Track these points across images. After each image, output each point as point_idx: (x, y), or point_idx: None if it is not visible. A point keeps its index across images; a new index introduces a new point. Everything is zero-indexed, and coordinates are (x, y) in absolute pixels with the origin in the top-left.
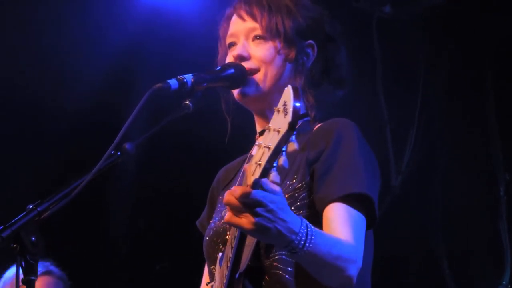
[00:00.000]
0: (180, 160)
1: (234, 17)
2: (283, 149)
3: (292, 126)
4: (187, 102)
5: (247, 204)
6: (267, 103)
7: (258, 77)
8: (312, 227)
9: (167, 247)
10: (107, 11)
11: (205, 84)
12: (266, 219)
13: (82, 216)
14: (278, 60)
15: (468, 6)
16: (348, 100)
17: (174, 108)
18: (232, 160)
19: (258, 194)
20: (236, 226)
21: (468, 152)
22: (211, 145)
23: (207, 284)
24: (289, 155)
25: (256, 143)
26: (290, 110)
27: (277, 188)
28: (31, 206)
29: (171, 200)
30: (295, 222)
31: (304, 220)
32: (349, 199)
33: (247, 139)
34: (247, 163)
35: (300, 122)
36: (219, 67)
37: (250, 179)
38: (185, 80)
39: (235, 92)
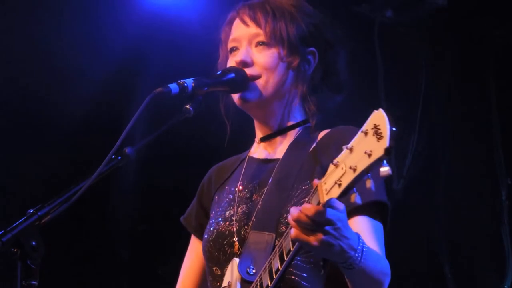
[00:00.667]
0: (182, 164)
1: (237, 22)
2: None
3: (389, 152)
4: (187, 107)
5: (319, 222)
6: (267, 109)
7: (260, 83)
8: (365, 242)
9: (168, 251)
10: (110, 15)
11: (206, 88)
12: (332, 237)
13: (83, 219)
14: (281, 68)
15: (469, 11)
16: (349, 105)
17: (175, 112)
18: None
19: (330, 213)
20: (303, 242)
21: (470, 157)
22: (213, 149)
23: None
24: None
25: (334, 162)
26: (387, 135)
27: (342, 206)
28: (31, 211)
29: (172, 203)
30: (354, 238)
31: (361, 236)
32: (369, 208)
33: (247, 143)
34: (318, 180)
35: (300, 129)
36: (219, 72)
37: (324, 198)
38: (185, 84)
39: (236, 97)
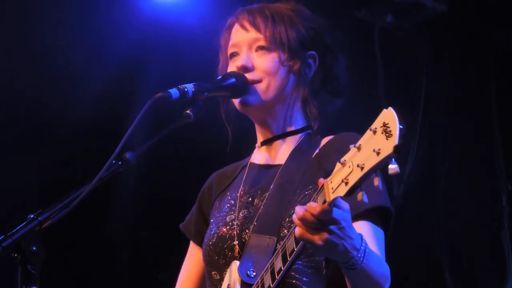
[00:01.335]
0: (182, 169)
1: (236, 27)
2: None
3: (398, 149)
4: (188, 112)
5: (324, 221)
6: (269, 113)
7: (261, 87)
8: (367, 244)
9: (168, 256)
10: (110, 19)
11: (206, 93)
12: (337, 237)
13: (83, 224)
14: (282, 72)
15: (469, 15)
16: (350, 110)
17: (175, 117)
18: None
19: (336, 212)
20: (307, 241)
21: (470, 162)
22: (214, 154)
23: None
24: (291, 165)
25: (341, 161)
26: (396, 133)
27: (347, 205)
28: (32, 216)
29: (172, 209)
30: (358, 239)
31: (363, 237)
32: (371, 214)
33: (248, 148)
34: (324, 179)
35: (302, 135)
36: (220, 77)
37: (330, 196)
38: (186, 89)
39: (236, 101)
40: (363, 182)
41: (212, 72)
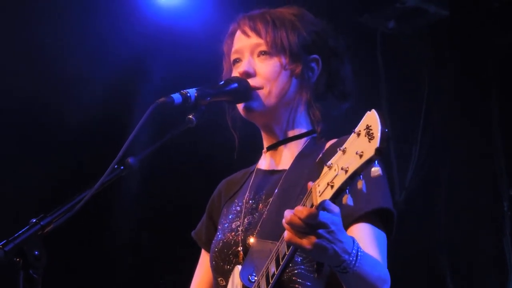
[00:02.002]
0: (184, 173)
1: (238, 33)
2: (362, 173)
3: (380, 152)
4: (190, 117)
5: (312, 225)
6: (273, 117)
7: (263, 92)
8: (360, 247)
9: (171, 261)
10: (113, 25)
11: (209, 98)
12: (326, 240)
13: (86, 229)
14: (284, 76)
15: (471, 21)
16: (352, 115)
17: (177, 122)
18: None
19: (324, 216)
20: (296, 245)
21: (471, 167)
22: (216, 159)
23: None
24: (296, 170)
25: (327, 164)
26: (378, 135)
27: (337, 208)
28: (34, 220)
29: (175, 213)
30: (349, 242)
31: (356, 240)
32: (373, 216)
33: (253, 154)
34: (312, 182)
35: (307, 140)
36: (222, 82)
37: (317, 200)
38: (188, 94)
39: (240, 107)
40: (348, 185)
41: (215, 77)
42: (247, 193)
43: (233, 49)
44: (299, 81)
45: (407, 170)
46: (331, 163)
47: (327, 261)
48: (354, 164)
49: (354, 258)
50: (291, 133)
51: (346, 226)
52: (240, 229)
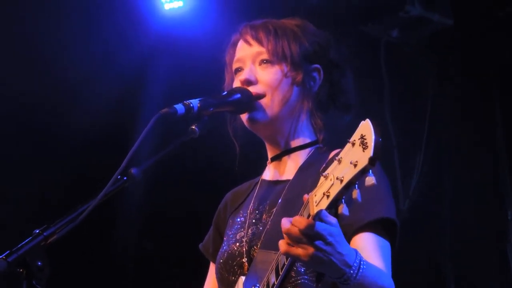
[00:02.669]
0: (188, 183)
1: (240, 43)
2: (357, 182)
3: (373, 161)
4: (193, 127)
5: (309, 236)
6: (276, 128)
7: (265, 102)
8: (363, 258)
9: (174, 272)
10: (118, 34)
11: (212, 109)
12: (323, 252)
13: (89, 239)
14: (285, 84)
15: (475, 30)
16: (355, 124)
17: (180, 132)
18: (241, 184)
19: (320, 227)
20: (293, 256)
21: (475, 175)
22: (219, 168)
23: None
24: (299, 180)
25: (324, 174)
26: (372, 144)
27: (334, 219)
28: (37, 231)
29: (179, 225)
30: (351, 255)
31: (358, 253)
32: (376, 226)
33: (256, 163)
34: (302, 192)
35: (311, 150)
36: (225, 92)
37: (314, 210)
38: (191, 105)
39: (244, 118)
40: (343, 195)
41: (218, 85)
42: (251, 204)
43: (235, 58)
44: (301, 90)
45: (411, 179)
46: (327, 173)
47: (327, 272)
48: (348, 173)
49: (356, 271)
50: (294, 143)
51: (350, 236)
52: (244, 240)
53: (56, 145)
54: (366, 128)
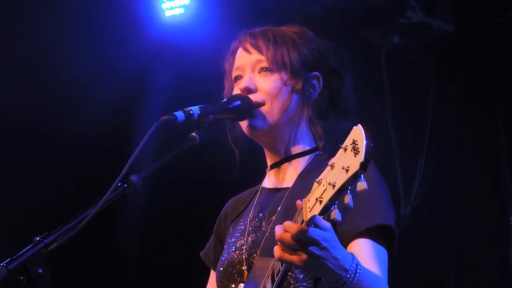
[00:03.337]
0: (188, 190)
1: (240, 51)
2: (349, 187)
3: (364, 166)
4: (193, 134)
5: (302, 242)
6: (276, 136)
7: (265, 109)
8: (360, 263)
9: (175, 279)
10: (118, 41)
11: (212, 116)
12: (318, 258)
13: (89, 246)
14: (285, 92)
15: (476, 36)
16: None
17: (181, 139)
18: (241, 191)
19: (313, 232)
20: (287, 263)
21: (477, 181)
22: (219, 175)
23: None
24: (299, 188)
25: (317, 179)
26: (363, 149)
27: (328, 224)
28: (38, 238)
29: (179, 230)
30: (347, 259)
31: (355, 257)
32: (373, 232)
33: (256, 170)
34: (302, 199)
35: (311, 157)
36: (225, 99)
37: (307, 215)
38: (191, 112)
39: (244, 125)
40: (336, 200)
41: (219, 92)
42: (251, 212)
43: (234, 66)
44: (300, 97)
45: (412, 184)
46: (321, 179)
47: (323, 277)
48: (340, 179)
49: (352, 275)
50: (294, 150)
51: (347, 242)
52: (244, 247)
53: (57, 151)
54: (357, 133)
